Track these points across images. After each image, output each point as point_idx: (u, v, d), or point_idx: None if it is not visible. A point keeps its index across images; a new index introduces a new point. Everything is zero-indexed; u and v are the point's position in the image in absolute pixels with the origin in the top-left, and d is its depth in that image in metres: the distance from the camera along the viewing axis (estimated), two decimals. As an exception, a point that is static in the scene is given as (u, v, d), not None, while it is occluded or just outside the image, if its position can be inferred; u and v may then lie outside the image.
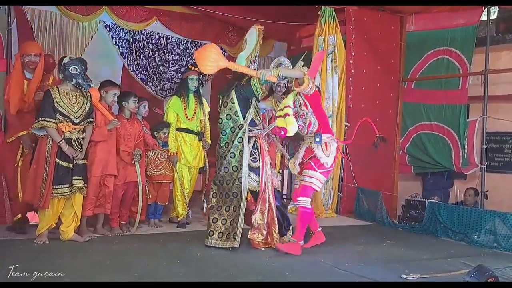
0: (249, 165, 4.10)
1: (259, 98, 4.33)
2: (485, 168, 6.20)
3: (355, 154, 6.33)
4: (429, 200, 5.65)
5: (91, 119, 4.12)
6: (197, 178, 5.44)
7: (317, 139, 4.11)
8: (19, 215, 4.35)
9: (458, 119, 6.41)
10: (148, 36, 6.80)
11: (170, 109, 5.09)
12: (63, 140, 3.91)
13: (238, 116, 4.14)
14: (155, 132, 4.99)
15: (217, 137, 5.31)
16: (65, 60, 4.02)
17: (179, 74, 6.94)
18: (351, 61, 6.31)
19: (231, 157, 4.13)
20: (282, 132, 3.94)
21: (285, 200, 4.61)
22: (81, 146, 4.03)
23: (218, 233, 4.09)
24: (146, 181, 4.82)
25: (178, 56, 7.11)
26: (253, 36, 4.22)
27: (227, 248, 4.00)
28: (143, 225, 4.87)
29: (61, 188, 3.93)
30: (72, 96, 4.03)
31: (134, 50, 6.67)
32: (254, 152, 4.15)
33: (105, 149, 4.33)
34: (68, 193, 3.97)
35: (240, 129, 4.13)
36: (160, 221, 5.08)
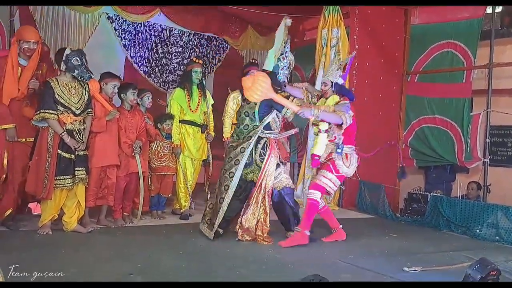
0: (257, 164, 4.11)
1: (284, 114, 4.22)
2: (488, 162, 6.18)
3: (357, 147, 6.30)
4: (431, 194, 5.64)
5: (90, 110, 4.12)
6: (200, 170, 5.45)
7: (339, 150, 4.15)
8: (10, 210, 4.10)
9: (461, 112, 6.38)
10: (151, 28, 6.77)
11: (173, 101, 5.08)
12: (65, 132, 3.92)
13: (255, 118, 4.17)
14: (158, 124, 4.99)
15: (220, 129, 5.34)
16: (67, 51, 4.01)
17: (182, 67, 6.92)
18: (354, 54, 6.27)
19: (240, 151, 4.12)
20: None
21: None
22: (82, 137, 4.04)
23: (207, 219, 4.20)
24: (149, 172, 4.83)
25: (181, 48, 7.08)
26: (280, 31, 4.20)
27: (231, 239, 4.04)
28: (146, 216, 4.88)
29: (64, 179, 3.94)
30: (72, 87, 4.03)
31: (136, 42, 6.64)
32: (263, 153, 4.13)
33: (105, 140, 4.32)
34: (71, 184, 3.98)
35: (254, 129, 4.15)
36: (163, 212, 5.10)
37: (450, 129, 6.54)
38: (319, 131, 4.05)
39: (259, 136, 4.13)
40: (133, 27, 6.59)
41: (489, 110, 6.14)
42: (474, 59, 6.29)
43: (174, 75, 7.01)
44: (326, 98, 4.30)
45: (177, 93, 5.11)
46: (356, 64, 6.28)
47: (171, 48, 7.00)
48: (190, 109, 5.08)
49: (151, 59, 6.81)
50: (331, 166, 4.16)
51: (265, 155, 4.11)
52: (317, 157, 4.06)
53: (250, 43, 7.80)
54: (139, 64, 6.71)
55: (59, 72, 4.10)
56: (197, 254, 3.68)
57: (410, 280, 3.22)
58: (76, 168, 4.00)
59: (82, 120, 4.06)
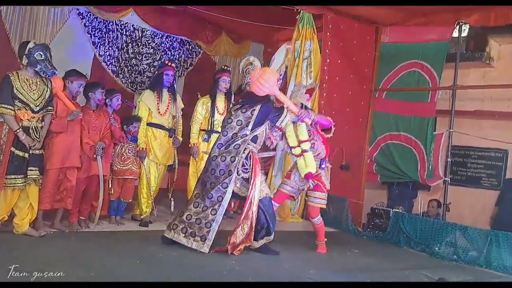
0: (239, 174, 4.03)
1: (278, 128, 4.29)
2: (449, 181, 6.34)
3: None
4: (393, 210, 5.73)
5: (50, 107, 3.94)
6: (164, 176, 5.33)
7: (323, 166, 4.39)
8: None
9: (425, 131, 6.53)
10: (122, 27, 6.64)
11: (142, 103, 4.98)
12: (20, 129, 3.73)
13: (247, 127, 4.09)
14: (125, 126, 4.85)
15: (188, 134, 5.24)
16: (30, 45, 3.82)
17: (152, 68, 6.81)
18: (325, 68, 6.33)
19: (221, 160, 4.04)
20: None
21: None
22: (39, 136, 3.84)
23: (182, 228, 4.00)
24: (110, 176, 4.67)
25: (152, 49, 6.97)
26: (281, 55, 4.26)
27: (193, 249, 3.91)
28: (103, 221, 4.72)
29: (15, 178, 3.74)
30: (33, 83, 3.84)
31: (107, 40, 6.49)
32: (246, 163, 4.07)
33: (66, 140, 4.16)
34: (22, 184, 3.78)
35: (242, 138, 4.07)
36: (122, 218, 4.93)
37: (414, 146, 6.67)
38: (303, 151, 4.18)
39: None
40: (104, 25, 6.44)
41: (451, 130, 6.31)
42: (439, 80, 6.46)
43: (143, 76, 6.88)
44: None
45: (147, 95, 5.00)
46: (326, 77, 6.32)
47: (142, 49, 6.88)
48: (159, 112, 4.99)
49: (120, 59, 6.66)
50: (321, 186, 4.40)
51: (247, 165, 4.06)
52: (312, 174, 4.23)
53: (223, 49, 7.78)
54: (108, 63, 6.56)
55: (21, 66, 3.92)
56: (156, 262, 3.56)
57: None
58: (29, 168, 3.80)
59: (40, 118, 3.87)
